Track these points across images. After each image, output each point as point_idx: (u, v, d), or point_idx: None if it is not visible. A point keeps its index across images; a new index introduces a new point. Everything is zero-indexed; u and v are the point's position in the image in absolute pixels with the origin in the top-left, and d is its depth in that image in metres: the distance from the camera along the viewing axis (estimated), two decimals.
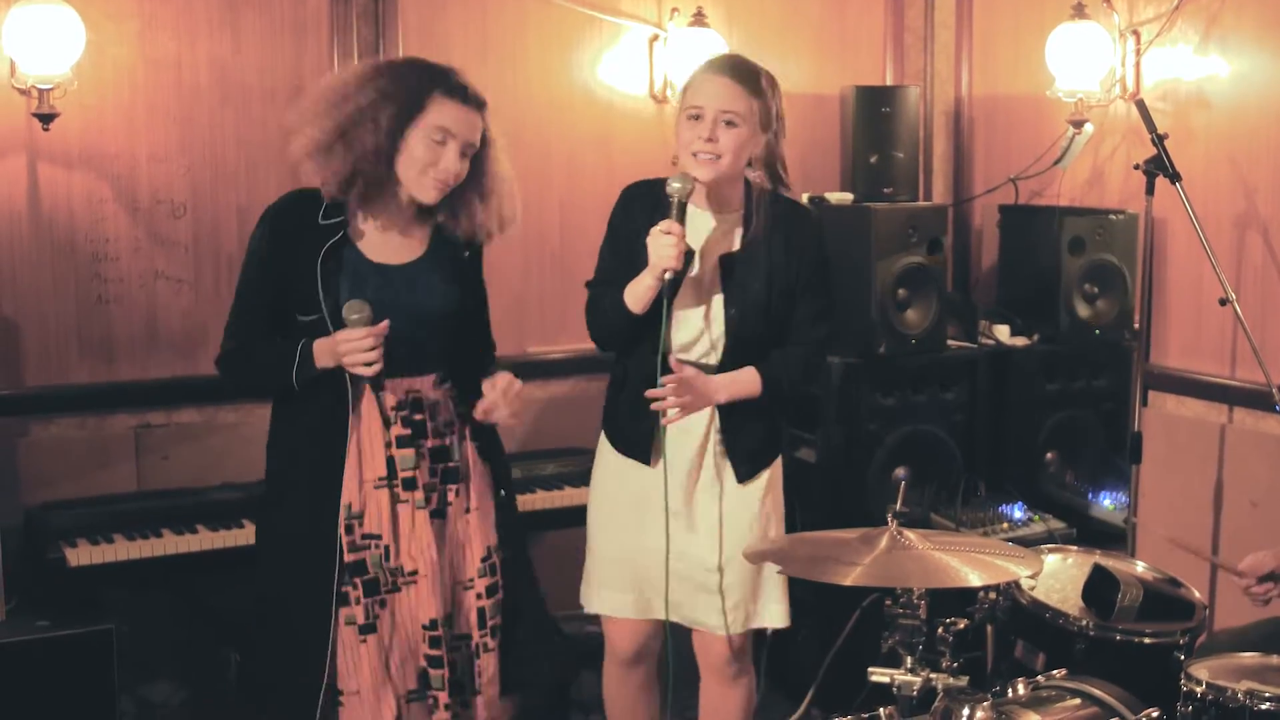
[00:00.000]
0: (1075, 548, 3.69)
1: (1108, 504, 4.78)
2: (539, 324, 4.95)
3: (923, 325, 4.82)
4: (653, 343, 3.44)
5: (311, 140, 3.23)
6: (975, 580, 2.95)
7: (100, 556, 3.93)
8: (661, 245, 3.32)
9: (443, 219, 3.39)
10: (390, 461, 3.29)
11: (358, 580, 3.27)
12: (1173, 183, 3.78)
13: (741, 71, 3.46)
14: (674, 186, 3.35)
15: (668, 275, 3.33)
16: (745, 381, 3.50)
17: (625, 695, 3.80)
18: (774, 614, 3.64)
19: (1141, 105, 3.88)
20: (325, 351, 3.21)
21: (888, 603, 3.16)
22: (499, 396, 3.32)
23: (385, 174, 3.24)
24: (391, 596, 3.31)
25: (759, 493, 3.59)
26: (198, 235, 4.44)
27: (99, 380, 4.37)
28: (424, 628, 3.32)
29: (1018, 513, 4.73)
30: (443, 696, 3.33)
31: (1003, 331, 5.08)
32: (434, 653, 3.32)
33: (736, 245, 3.50)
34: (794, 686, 4.84)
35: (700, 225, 3.50)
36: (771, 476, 3.65)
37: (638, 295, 3.41)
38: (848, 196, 4.93)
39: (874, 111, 4.93)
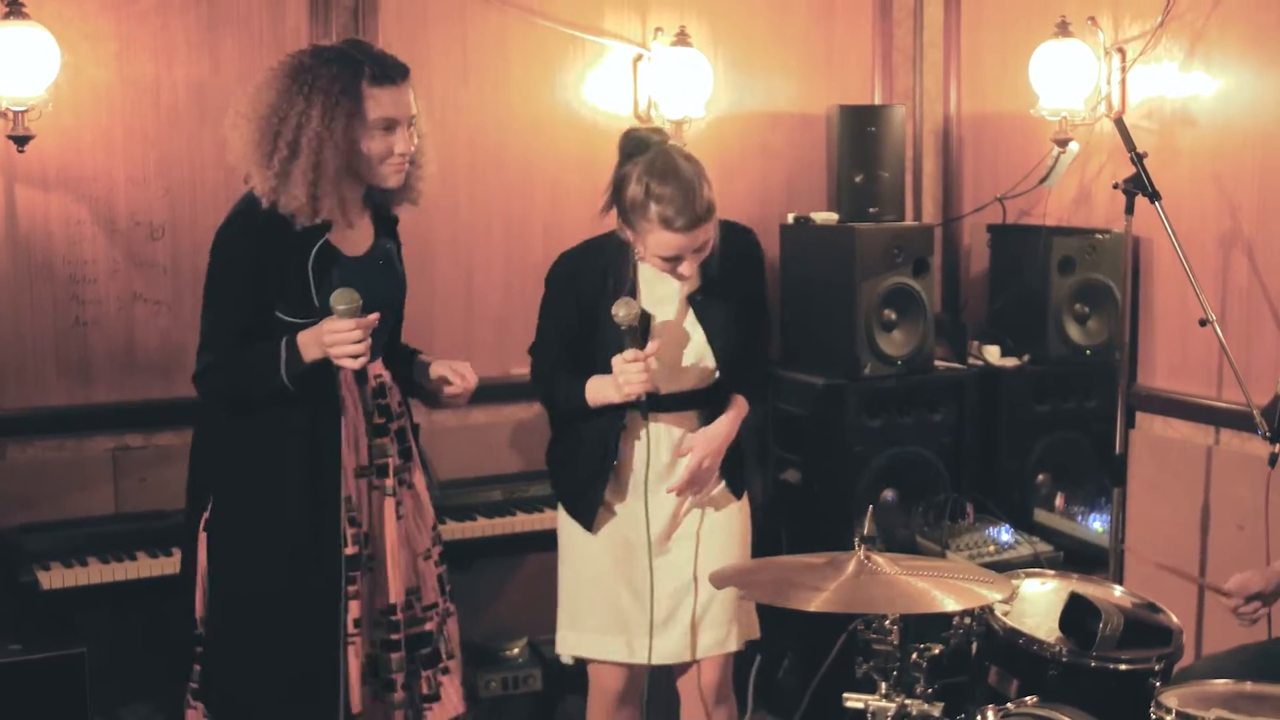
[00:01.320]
0: (1052, 572, 3.64)
1: (1098, 527, 4.73)
2: (522, 346, 4.84)
3: (909, 346, 4.78)
4: (604, 410, 3.51)
5: (268, 179, 3.18)
6: (943, 606, 2.91)
7: (74, 579, 3.90)
8: (630, 374, 3.38)
9: (381, 197, 3.39)
10: (372, 449, 3.31)
11: (355, 575, 3.27)
12: (1152, 201, 3.74)
13: (698, 218, 3.39)
14: (620, 315, 3.38)
15: (644, 397, 3.39)
16: (742, 411, 3.64)
17: None
18: (749, 628, 3.70)
19: (1120, 124, 3.85)
20: (311, 342, 3.15)
21: (860, 628, 3.13)
22: (474, 381, 3.45)
23: (346, 178, 3.22)
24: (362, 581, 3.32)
25: (736, 513, 3.67)
26: (176, 257, 4.41)
27: (76, 402, 4.34)
28: (381, 612, 3.33)
29: (1005, 535, 4.68)
30: (399, 678, 3.35)
31: (993, 352, 5.04)
32: (393, 637, 3.33)
33: (699, 282, 3.55)
34: (782, 710, 4.81)
35: (657, 275, 3.52)
36: (747, 497, 3.76)
37: (598, 401, 3.51)
38: (833, 216, 4.90)
39: (859, 131, 4.91)
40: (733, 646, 3.66)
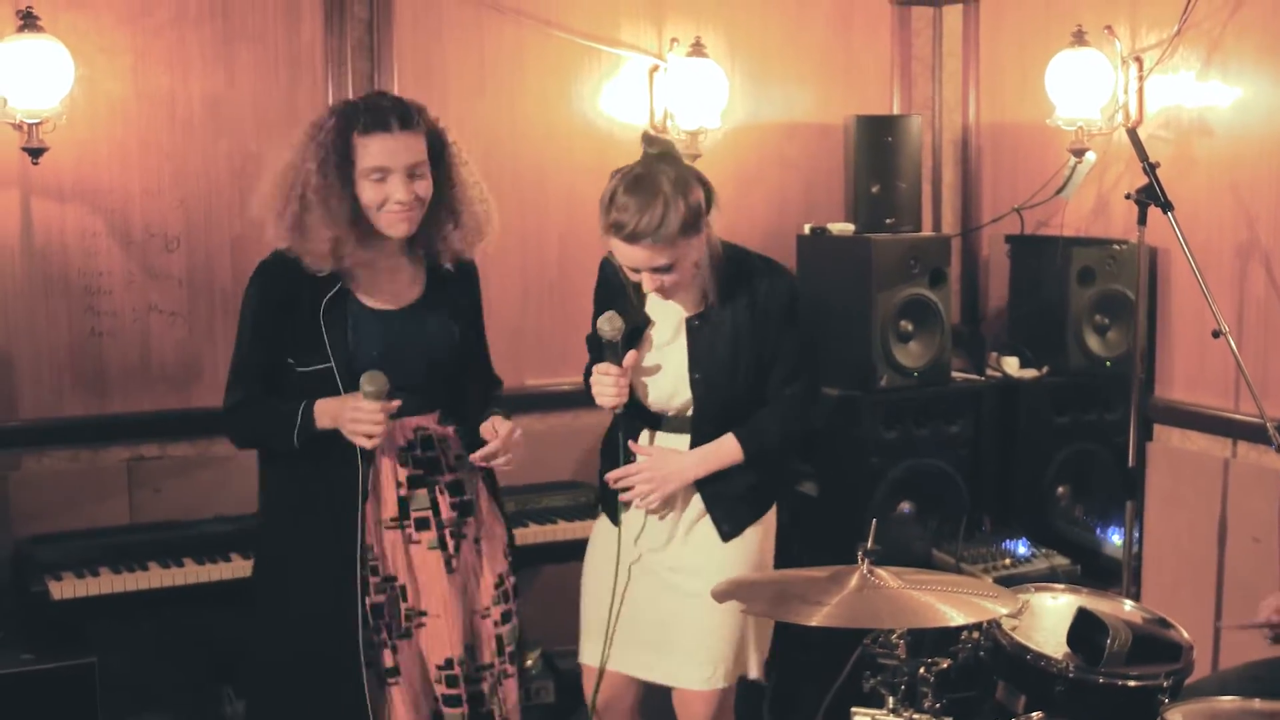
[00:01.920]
0: (1061, 586, 3.60)
1: (1117, 540, 4.68)
2: (537, 356, 4.91)
3: (926, 357, 4.75)
4: (633, 402, 3.50)
5: (281, 233, 3.21)
6: (946, 620, 2.88)
7: (84, 590, 3.92)
8: (600, 386, 3.42)
9: (423, 250, 3.36)
10: (402, 502, 3.28)
11: (382, 624, 3.26)
12: (1164, 212, 3.70)
13: (654, 233, 3.30)
14: (604, 329, 3.38)
15: (618, 411, 3.41)
16: (724, 452, 3.51)
17: None
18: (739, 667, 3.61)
19: (1133, 134, 3.82)
20: (326, 413, 3.19)
21: (866, 642, 3.11)
22: (500, 445, 3.30)
23: (364, 228, 3.21)
24: (402, 640, 3.29)
25: (743, 551, 3.57)
26: (191, 269, 4.43)
27: (92, 413, 4.37)
28: (438, 668, 3.31)
29: (1022, 549, 4.64)
30: None
31: (1011, 364, 5.00)
32: (451, 692, 3.31)
33: (702, 309, 3.50)
34: None
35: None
36: (761, 532, 3.62)
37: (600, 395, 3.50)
38: (849, 227, 4.87)
39: (876, 141, 4.88)
40: (718, 684, 3.53)
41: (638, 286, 3.46)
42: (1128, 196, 3.83)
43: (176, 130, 4.39)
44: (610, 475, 3.53)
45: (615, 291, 3.55)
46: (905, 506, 4.79)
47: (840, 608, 2.88)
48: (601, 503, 3.69)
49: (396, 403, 3.14)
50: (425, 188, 3.24)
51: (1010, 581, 4.21)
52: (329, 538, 3.24)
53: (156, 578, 4.01)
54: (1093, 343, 4.88)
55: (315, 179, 3.15)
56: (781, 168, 5.22)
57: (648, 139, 3.50)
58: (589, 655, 3.64)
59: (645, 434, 3.56)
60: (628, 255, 3.35)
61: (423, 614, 3.31)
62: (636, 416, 3.53)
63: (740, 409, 3.51)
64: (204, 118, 4.41)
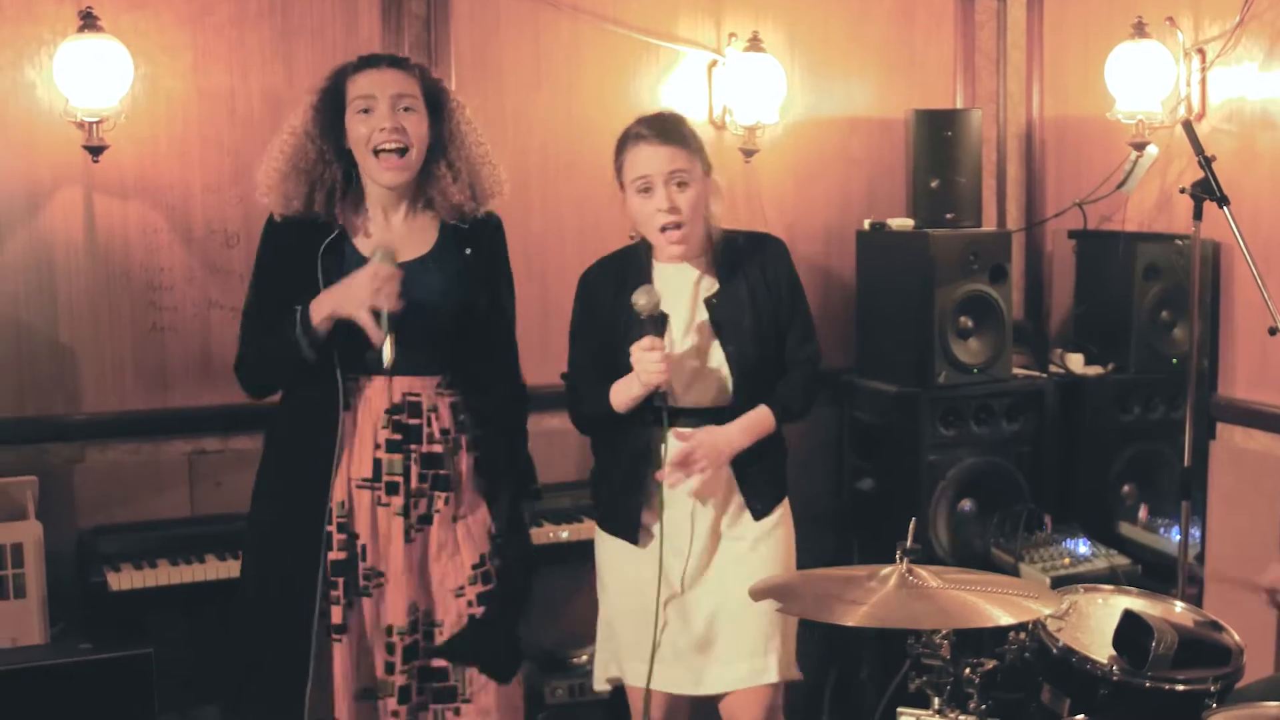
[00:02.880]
0: (1110, 588, 3.54)
1: (1176, 539, 4.59)
2: None
3: (986, 354, 4.70)
4: (641, 418, 3.43)
5: (267, 177, 3.32)
6: (984, 620, 2.84)
7: (142, 581, 3.99)
8: (647, 362, 3.32)
9: (422, 203, 3.39)
10: (376, 464, 3.30)
11: (339, 580, 3.29)
12: (1220, 206, 3.62)
13: (673, 131, 3.41)
14: (640, 304, 3.34)
15: (662, 389, 3.34)
16: (759, 422, 3.48)
17: None
18: (785, 665, 3.56)
19: (1188, 126, 3.74)
20: (325, 301, 3.20)
21: (910, 642, 3.08)
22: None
23: (347, 173, 3.27)
24: (360, 598, 3.32)
25: (773, 532, 3.55)
26: (250, 264, 4.42)
27: (154, 407, 4.43)
28: (385, 631, 3.32)
29: (1082, 548, 4.57)
30: (390, 703, 3.34)
31: (1076, 361, 4.93)
32: (390, 659, 3.32)
33: (715, 287, 3.49)
34: None
35: (671, 276, 3.49)
36: (784, 514, 3.61)
37: (622, 402, 3.43)
38: (908, 222, 4.83)
39: (936, 135, 4.83)
40: (770, 678, 3.51)
41: (639, 271, 3.47)
42: (1183, 191, 3.76)
43: (236, 127, 4.44)
44: (668, 471, 3.39)
45: (602, 305, 3.52)
46: (966, 504, 4.75)
47: (878, 608, 2.85)
48: (614, 527, 3.56)
49: (397, 270, 3.18)
50: (414, 122, 3.27)
51: (1068, 581, 4.15)
52: (303, 493, 3.28)
53: (213, 570, 4.08)
54: (1158, 340, 4.81)
55: (297, 125, 3.30)
56: (843, 163, 5.18)
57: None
58: (635, 676, 3.55)
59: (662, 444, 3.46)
60: (650, 158, 3.39)
61: (380, 575, 3.32)
62: (651, 423, 3.45)
63: (767, 378, 3.49)
64: (263, 114, 4.45)
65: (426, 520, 3.35)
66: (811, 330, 3.59)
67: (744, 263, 3.51)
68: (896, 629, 2.90)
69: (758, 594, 3.04)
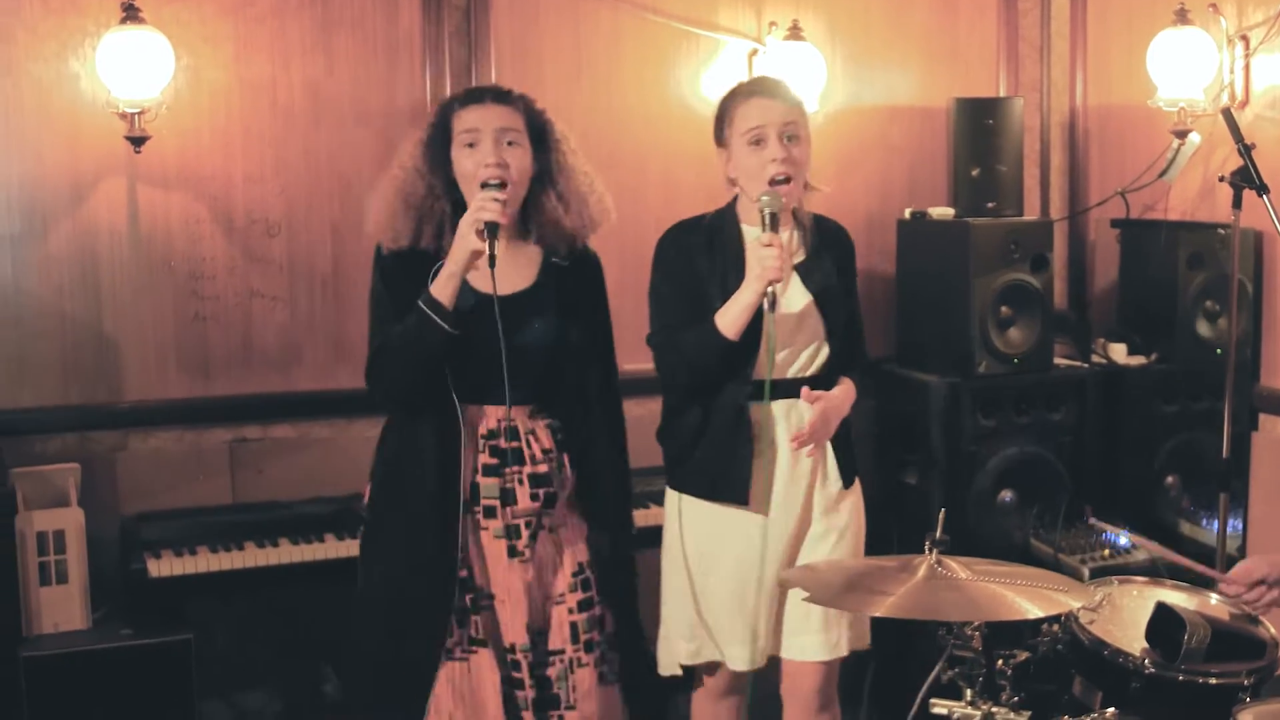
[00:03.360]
0: (1143, 579, 3.52)
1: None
2: (636, 342, 4.86)
3: (1027, 344, 4.68)
4: (744, 373, 3.43)
5: (378, 213, 3.35)
6: (1013, 613, 2.83)
7: (181, 568, 4.03)
8: (765, 256, 3.30)
9: (535, 238, 3.41)
10: (474, 488, 3.33)
11: (467, 596, 3.34)
12: (1259, 195, 3.59)
13: (786, 90, 3.51)
14: (765, 201, 3.35)
15: (772, 288, 3.29)
16: (851, 392, 3.56)
17: None
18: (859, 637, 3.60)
19: (1227, 114, 3.71)
20: (441, 275, 3.21)
21: (941, 633, 3.07)
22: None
23: (457, 204, 3.29)
24: (473, 618, 3.34)
25: (857, 502, 3.62)
26: (292, 254, 4.52)
27: (196, 395, 4.47)
28: (507, 649, 3.35)
29: (1122, 540, 4.54)
30: (527, 716, 3.35)
31: (1119, 350, 4.90)
32: (516, 675, 3.35)
33: (804, 256, 3.54)
34: (899, 712, 4.73)
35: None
36: (858, 488, 3.67)
37: (733, 318, 3.38)
38: (949, 211, 4.81)
39: (977, 124, 4.80)
40: (841, 652, 3.55)
41: (739, 253, 3.48)
42: (1222, 179, 3.73)
43: (278, 117, 4.47)
44: (805, 435, 3.40)
45: (695, 262, 3.54)
46: (1007, 495, 4.72)
47: (905, 599, 2.85)
48: (719, 492, 3.53)
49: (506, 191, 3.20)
50: (519, 157, 3.29)
51: (1107, 572, 4.12)
52: (427, 514, 3.29)
53: (252, 557, 4.11)
54: (1203, 329, 4.77)
55: (406, 161, 3.33)
56: (884, 151, 5.16)
57: None
58: (738, 660, 3.55)
59: (755, 405, 3.47)
60: (765, 110, 3.43)
61: (491, 596, 3.35)
62: (744, 385, 3.47)
63: (842, 353, 3.56)
64: (304, 105, 4.49)
65: (534, 539, 3.38)
66: (863, 329, 3.73)
67: (827, 244, 3.58)
68: (927, 620, 2.90)
69: (787, 582, 3.05)
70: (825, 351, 3.52)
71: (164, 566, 4.00)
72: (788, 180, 3.40)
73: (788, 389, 3.48)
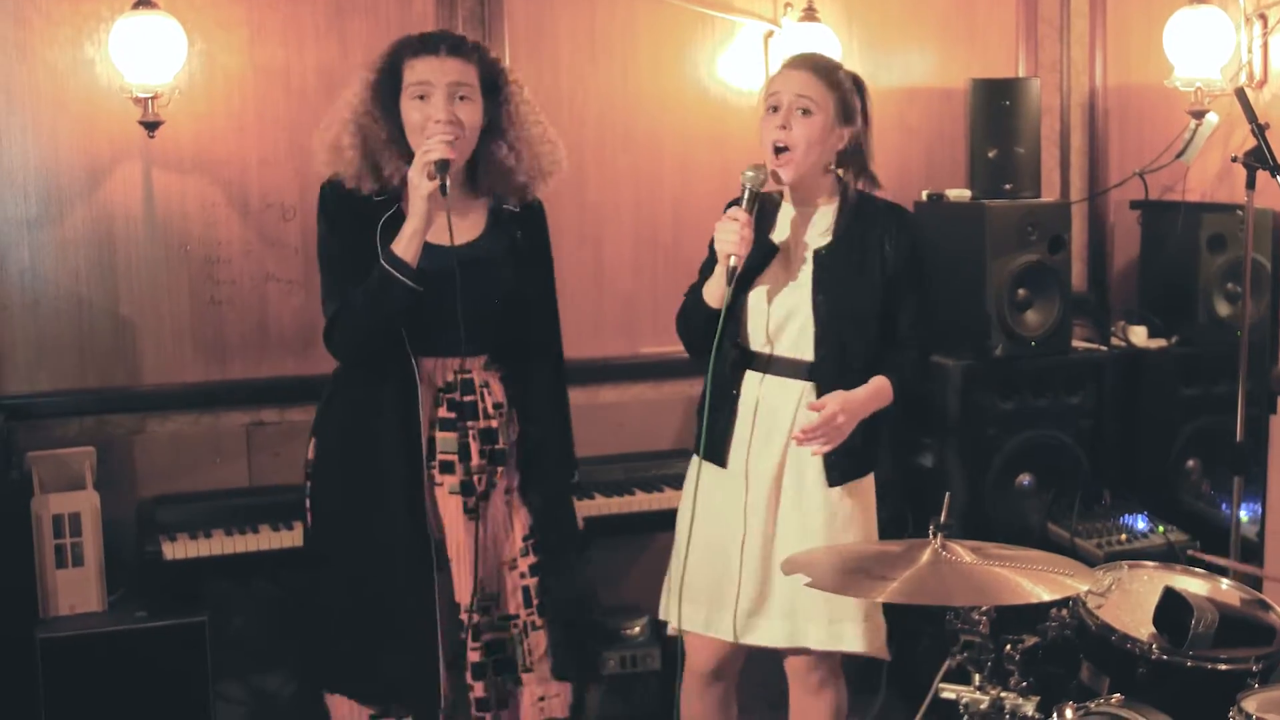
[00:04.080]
0: (1152, 564, 3.50)
1: (1244, 516, 4.51)
2: (650, 325, 4.91)
3: (1044, 326, 4.64)
4: (730, 337, 3.43)
5: (322, 145, 3.33)
6: (1018, 596, 2.82)
7: (196, 550, 4.05)
8: (724, 231, 3.32)
9: (484, 188, 3.38)
10: (431, 442, 3.32)
11: None
12: (1274, 175, 3.55)
13: (817, 64, 3.48)
14: (746, 175, 3.35)
15: (731, 262, 3.29)
16: (882, 391, 3.44)
17: (701, 712, 3.73)
18: (852, 637, 3.48)
19: (1240, 94, 3.66)
20: (405, 233, 3.18)
21: (949, 617, 3.06)
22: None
23: (404, 156, 3.25)
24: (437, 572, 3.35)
25: (848, 501, 3.48)
26: (307, 237, 4.51)
27: (212, 379, 4.49)
28: (455, 608, 3.34)
29: (1140, 524, 4.51)
30: (467, 676, 3.35)
31: (1139, 333, 4.86)
32: (461, 636, 3.34)
33: (830, 240, 3.45)
34: (916, 698, 4.72)
35: (793, 220, 3.49)
36: (863, 488, 3.53)
37: (712, 288, 3.41)
38: (966, 193, 4.78)
39: (994, 105, 4.77)
40: (846, 647, 3.48)
41: (764, 212, 3.45)
42: (1235, 160, 3.69)
43: (292, 101, 4.48)
44: (800, 434, 3.35)
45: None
46: (1025, 479, 4.70)
47: (908, 584, 2.84)
48: (706, 450, 3.53)
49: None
50: (470, 112, 3.25)
51: (1123, 557, 4.08)
52: (396, 473, 3.28)
53: (266, 540, 4.13)
54: (1224, 311, 4.74)
55: (358, 102, 3.28)
56: (902, 133, 5.12)
57: None
58: (693, 621, 3.54)
59: (751, 375, 3.47)
60: (785, 79, 3.44)
61: (446, 556, 3.34)
62: (741, 359, 3.46)
63: (856, 353, 3.43)
64: (318, 89, 4.48)
65: (484, 496, 3.37)
66: (928, 315, 3.52)
67: (870, 227, 3.46)
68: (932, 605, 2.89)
69: (789, 568, 3.04)
70: (812, 339, 3.43)
71: (178, 549, 4.02)
72: (786, 149, 3.38)
73: (779, 367, 3.46)
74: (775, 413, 3.46)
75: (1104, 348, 4.85)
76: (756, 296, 3.45)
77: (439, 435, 3.32)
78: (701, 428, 3.53)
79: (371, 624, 3.33)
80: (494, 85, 3.34)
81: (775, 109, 3.41)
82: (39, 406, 4.30)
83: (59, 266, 4.31)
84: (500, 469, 3.39)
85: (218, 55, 4.37)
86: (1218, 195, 4.72)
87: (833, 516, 3.46)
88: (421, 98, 3.23)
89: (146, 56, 4.08)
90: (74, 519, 3.99)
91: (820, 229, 3.47)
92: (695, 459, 3.58)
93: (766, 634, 3.50)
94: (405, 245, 3.17)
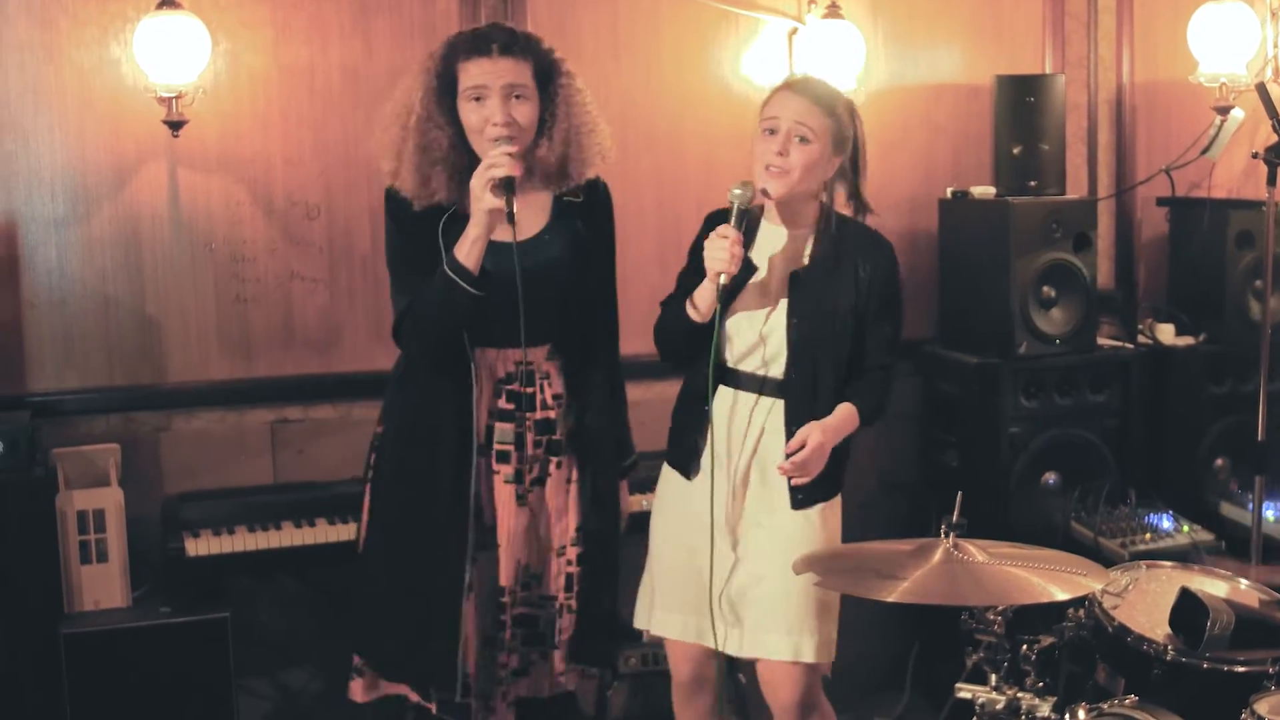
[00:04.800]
0: (1170, 564, 3.47)
1: (1269, 515, 4.48)
2: None
3: (1069, 325, 4.63)
4: (705, 352, 3.41)
5: (383, 151, 3.38)
6: (1027, 597, 2.82)
7: (219, 547, 4.08)
8: (714, 248, 3.31)
9: (532, 180, 3.39)
10: (489, 431, 3.38)
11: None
12: None
13: (817, 93, 3.43)
14: (734, 193, 3.34)
15: (721, 280, 3.29)
16: (849, 419, 3.43)
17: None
18: (809, 649, 3.42)
19: (1261, 89, 3.65)
20: (467, 239, 3.21)
21: (964, 618, 3.05)
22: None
23: (468, 159, 3.28)
24: (481, 555, 3.41)
25: (813, 521, 3.43)
26: (331, 236, 4.54)
27: (237, 376, 4.52)
28: (499, 592, 3.41)
29: (1165, 523, 4.48)
30: (502, 656, 3.44)
31: (1166, 331, 4.83)
32: (503, 617, 3.42)
33: (808, 264, 3.45)
34: (940, 697, 4.71)
35: (773, 239, 3.48)
36: (827, 513, 3.47)
37: (696, 303, 3.41)
38: (990, 190, 4.75)
39: (1018, 101, 4.75)
40: (804, 657, 3.40)
41: (751, 237, 3.45)
42: (1255, 156, 3.67)
43: (316, 100, 4.50)
44: (788, 466, 3.34)
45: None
46: (1050, 478, 4.68)
47: (918, 584, 2.84)
48: (674, 459, 3.55)
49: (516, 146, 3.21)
50: (525, 112, 3.29)
51: (1148, 556, 4.06)
52: (445, 463, 3.36)
53: (289, 536, 4.15)
54: (1253, 309, 4.69)
55: (419, 110, 3.29)
56: (927, 130, 5.10)
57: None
58: (666, 627, 3.55)
59: (725, 391, 3.46)
60: (784, 103, 3.39)
61: (495, 543, 3.41)
62: (715, 374, 3.43)
63: (826, 372, 3.42)
64: (342, 88, 4.51)
65: (539, 484, 3.44)
66: (895, 344, 3.53)
67: (848, 252, 3.46)
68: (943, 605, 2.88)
69: (800, 567, 3.03)
70: (783, 358, 3.42)
71: (201, 546, 4.06)
72: (783, 174, 3.37)
73: (743, 381, 3.46)
74: (743, 428, 3.46)
75: (1130, 346, 4.82)
76: (732, 313, 3.44)
77: (497, 426, 3.39)
78: (672, 434, 3.57)
79: (402, 603, 3.42)
80: (547, 78, 3.37)
81: (772, 132, 3.39)
82: (66, 404, 4.34)
83: (86, 265, 4.35)
84: (559, 459, 3.44)
85: (242, 55, 4.40)
86: (1244, 191, 4.70)
87: (796, 535, 3.42)
88: (478, 99, 3.27)
89: (170, 56, 4.11)
90: (98, 515, 4.02)
91: (799, 251, 3.47)
92: (666, 468, 3.60)
93: (735, 643, 3.47)
94: (468, 251, 3.21)
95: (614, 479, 3.64)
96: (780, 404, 3.43)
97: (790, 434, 3.38)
